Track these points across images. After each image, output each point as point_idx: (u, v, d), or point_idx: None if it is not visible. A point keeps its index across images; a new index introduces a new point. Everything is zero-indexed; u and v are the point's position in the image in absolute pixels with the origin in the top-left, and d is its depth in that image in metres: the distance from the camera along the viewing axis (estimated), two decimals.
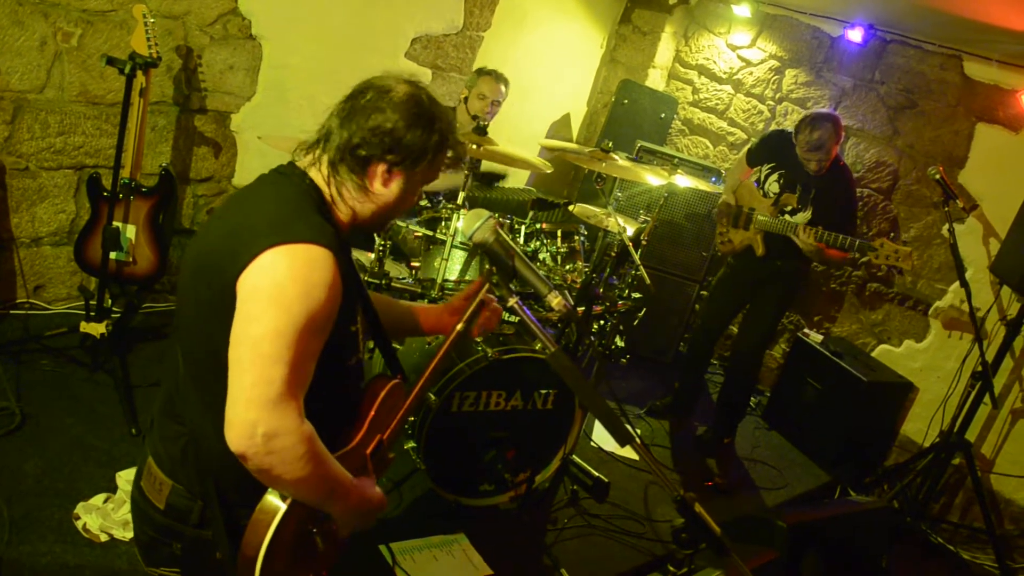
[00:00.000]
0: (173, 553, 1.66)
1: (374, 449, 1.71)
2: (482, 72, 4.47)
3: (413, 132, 1.60)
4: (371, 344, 1.76)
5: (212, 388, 1.50)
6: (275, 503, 1.52)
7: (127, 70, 3.35)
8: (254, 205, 1.59)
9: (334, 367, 1.59)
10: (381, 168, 1.61)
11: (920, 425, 4.78)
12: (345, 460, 1.60)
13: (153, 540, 1.68)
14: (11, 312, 3.90)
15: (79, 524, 2.75)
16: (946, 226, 4.28)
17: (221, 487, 1.60)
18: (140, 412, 3.36)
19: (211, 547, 1.61)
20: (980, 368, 4.11)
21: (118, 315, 3.77)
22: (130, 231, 3.62)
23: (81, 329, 3.59)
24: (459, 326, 1.85)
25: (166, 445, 1.64)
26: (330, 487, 1.55)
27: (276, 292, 1.42)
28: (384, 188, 1.63)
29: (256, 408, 1.39)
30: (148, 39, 3.39)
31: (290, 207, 1.56)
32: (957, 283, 4.59)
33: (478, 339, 3.03)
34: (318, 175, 1.63)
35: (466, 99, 4.45)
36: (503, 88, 4.44)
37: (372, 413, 1.68)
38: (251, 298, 1.44)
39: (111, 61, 3.35)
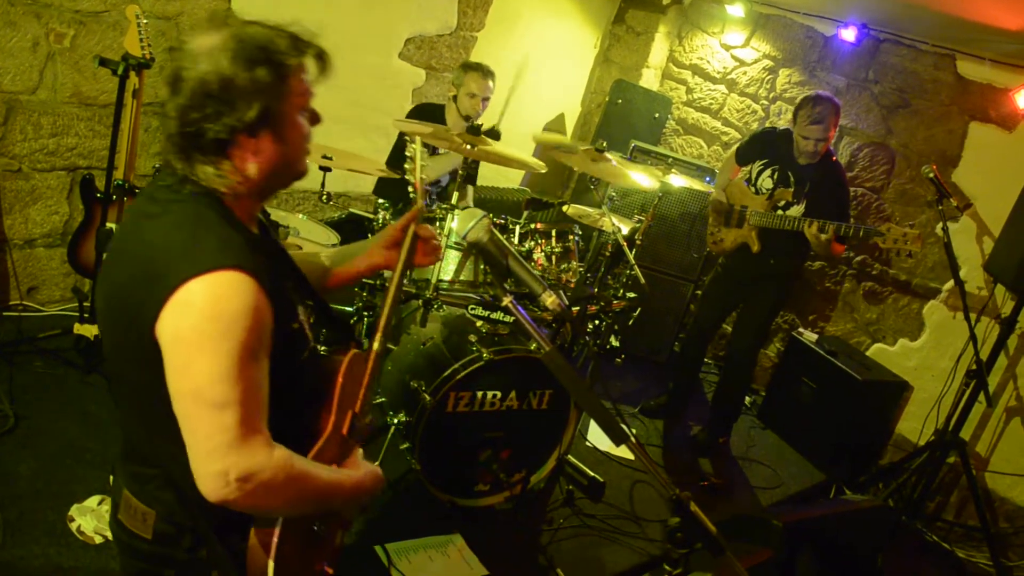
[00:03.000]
0: None
1: (350, 427, 1.65)
2: (468, 68, 4.29)
3: (242, 74, 1.36)
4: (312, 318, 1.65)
5: (172, 430, 1.39)
6: (266, 527, 1.49)
7: (120, 71, 3.34)
8: (146, 235, 1.41)
9: (286, 372, 1.49)
10: (242, 140, 1.40)
11: (915, 424, 4.79)
12: (325, 450, 1.56)
13: (143, 571, 1.60)
14: (4, 314, 3.88)
15: (73, 526, 2.74)
16: (940, 225, 4.29)
17: (206, 517, 1.52)
18: None
19: (206, 567, 1.55)
20: (975, 366, 4.12)
21: None
22: None
23: (75, 331, 3.58)
24: (400, 262, 1.81)
25: (141, 483, 1.54)
26: (322, 496, 1.51)
27: (198, 336, 1.31)
28: (257, 156, 1.43)
29: (220, 457, 1.32)
30: (141, 40, 3.38)
31: (185, 230, 1.38)
32: (951, 282, 4.60)
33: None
34: (197, 177, 1.43)
35: (455, 97, 4.33)
36: (491, 83, 4.30)
37: (337, 393, 1.61)
38: (174, 348, 1.33)
39: (104, 62, 3.34)
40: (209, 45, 1.38)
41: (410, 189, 2.22)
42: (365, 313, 3.21)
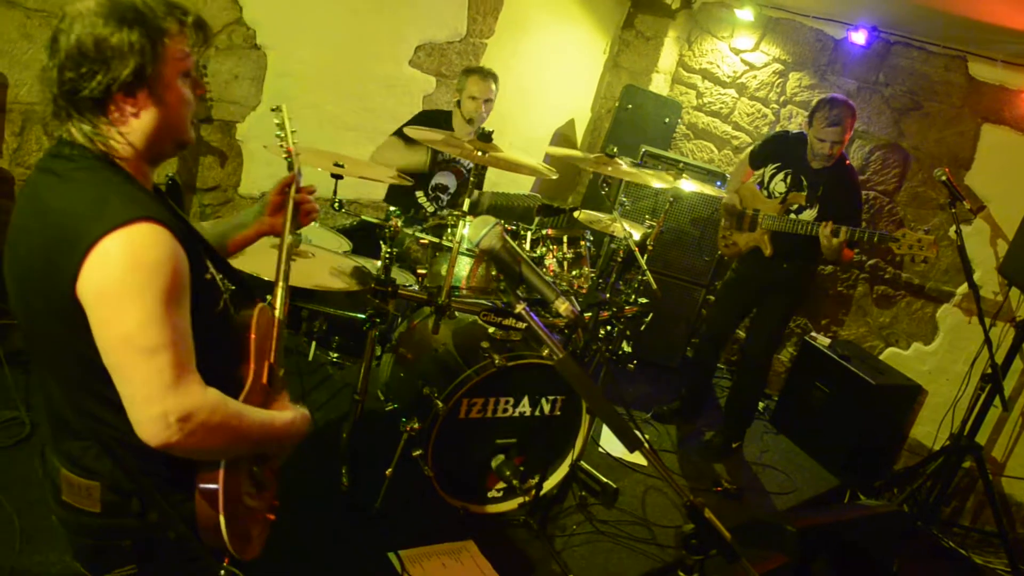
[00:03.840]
0: (123, 550, 1.61)
1: (269, 377, 1.68)
2: (469, 72, 4.32)
3: (116, 34, 1.39)
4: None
5: (96, 390, 1.44)
6: (209, 471, 1.52)
7: None
8: (50, 203, 1.43)
9: (204, 322, 1.51)
10: (118, 99, 1.43)
11: (929, 428, 4.76)
12: (249, 398, 1.60)
13: (97, 547, 1.62)
14: None
15: None
16: (953, 228, 4.27)
17: (148, 477, 1.54)
18: None
19: (161, 528, 1.57)
20: (990, 370, 4.10)
21: None
22: None
23: None
24: (287, 233, 1.92)
25: (77, 459, 1.56)
26: (257, 435, 1.54)
27: (122, 286, 1.34)
28: (137, 117, 1.46)
29: (159, 400, 1.36)
30: None
31: (89, 190, 1.42)
32: (965, 285, 4.58)
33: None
34: (83, 137, 1.46)
35: (458, 102, 4.35)
36: (493, 86, 4.31)
37: (252, 345, 1.65)
38: (100, 302, 1.36)
39: None
40: (84, 8, 1.40)
41: (284, 156, 2.30)
42: (377, 319, 3.22)
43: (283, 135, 2.32)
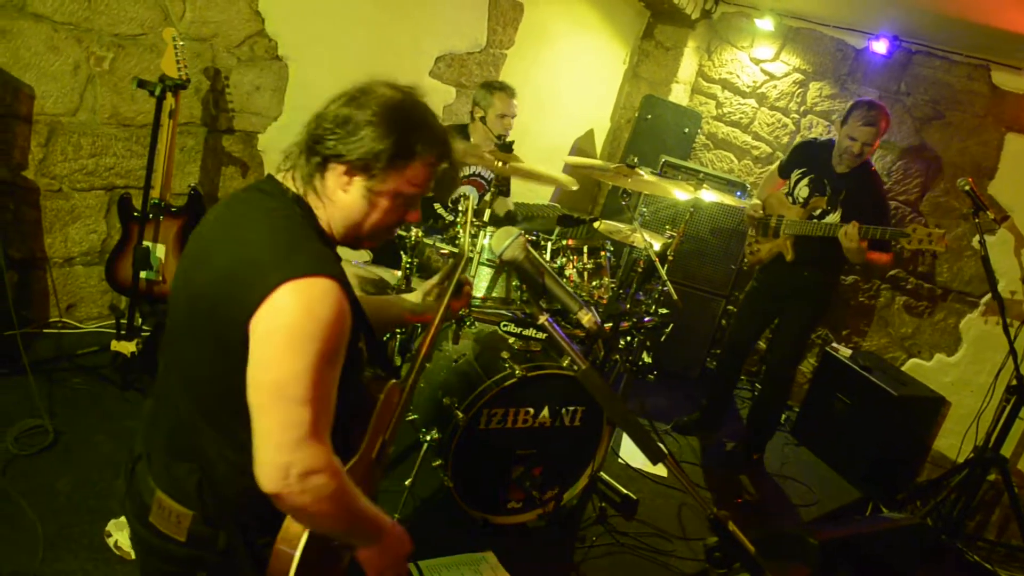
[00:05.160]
0: None
1: (379, 452, 1.71)
2: (492, 88, 4.38)
3: (373, 129, 1.51)
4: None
5: (229, 425, 1.48)
6: (297, 529, 1.52)
7: (157, 92, 3.41)
8: (247, 235, 1.51)
9: (349, 387, 1.55)
10: (339, 169, 1.53)
11: (953, 440, 4.71)
12: (355, 468, 1.61)
13: (170, 573, 1.64)
14: (44, 331, 3.95)
15: (111, 541, 2.77)
16: (976, 237, 4.22)
17: (241, 518, 1.57)
18: None
19: (237, 567, 1.58)
20: (1015, 382, 4.04)
21: (148, 334, 3.82)
22: (160, 251, 3.66)
23: (112, 348, 3.63)
24: (438, 315, 1.93)
25: (178, 482, 1.58)
26: (357, 521, 1.55)
27: (291, 335, 1.39)
28: (343, 193, 1.55)
29: (288, 451, 1.39)
30: (177, 61, 3.44)
31: (286, 234, 1.50)
32: (989, 295, 4.53)
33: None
34: (297, 185, 1.58)
35: (482, 118, 4.40)
36: (515, 101, 4.41)
37: (374, 419, 1.68)
38: (266, 342, 1.40)
39: (142, 84, 3.41)
40: (377, 95, 1.56)
41: (456, 241, 2.37)
42: (397, 329, 3.23)
43: (462, 220, 2.35)
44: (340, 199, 1.56)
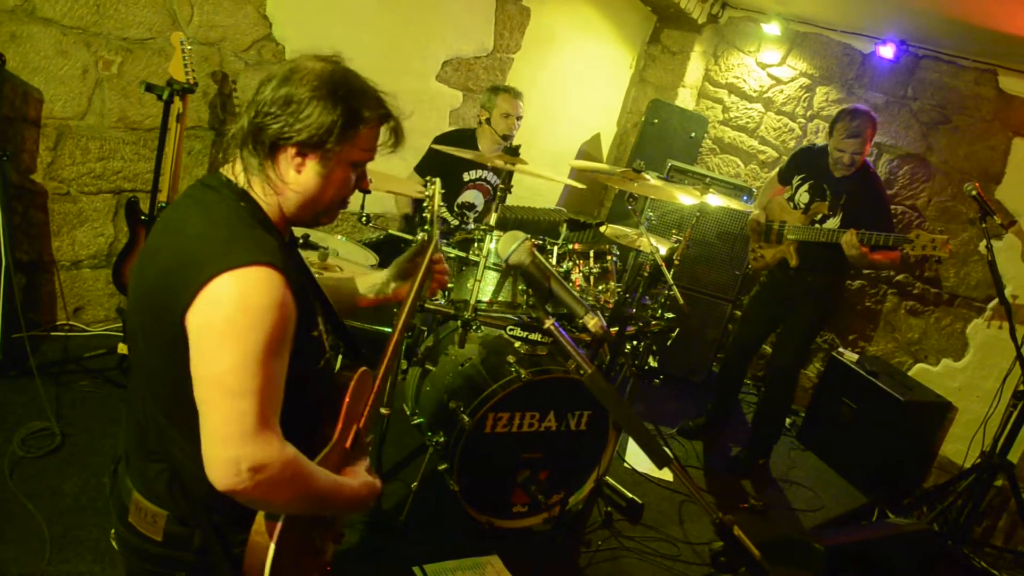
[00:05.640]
0: None
1: (353, 441, 1.69)
2: (498, 90, 4.49)
3: (317, 105, 1.48)
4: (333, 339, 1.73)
5: (189, 423, 1.44)
6: (270, 521, 1.51)
7: (165, 96, 3.43)
8: (187, 230, 1.50)
9: (300, 377, 1.52)
10: (291, 151, 1.51)
11: (959, 446, 4.69)
12: (328, 458, 1.59)
13: (151, 572, 1.64)
14: (51, 334, 3.97)
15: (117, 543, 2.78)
16: (983, 243, 4.21)
17: (213, 517, 1.56)
18: None
19: (216, 570, 1.58)
20: (1022, 387, 4.03)
21: None
22: None
23: (119, 350, 3.65)
24: (412, 292, 1.91)
25: (150, 483, 1.58)
26: (321, 498, 1.53)
27: (228, 325, 1.37)
28: (297, 174, 1.53)
29: (234, 445, 1.36)
30: (185, 65, 3.46)
31: (224, 227, 1.48)
32: (996, 300, 4.52)
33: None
34: (242, 176, 1.56)
35: (488, 120, 4.48)
36: (521, 103, 4.49)
37: (344, 408, 1.66)
38: (203, 335, 1.38)
39: (150, 88, 3.43)
40: (311, 69, 1.52)
41: (426, 226, 2.39)
42: (406, 334, 3.24)
43: (428, 204, 2.37)
44: (295, 180, 1.54)
